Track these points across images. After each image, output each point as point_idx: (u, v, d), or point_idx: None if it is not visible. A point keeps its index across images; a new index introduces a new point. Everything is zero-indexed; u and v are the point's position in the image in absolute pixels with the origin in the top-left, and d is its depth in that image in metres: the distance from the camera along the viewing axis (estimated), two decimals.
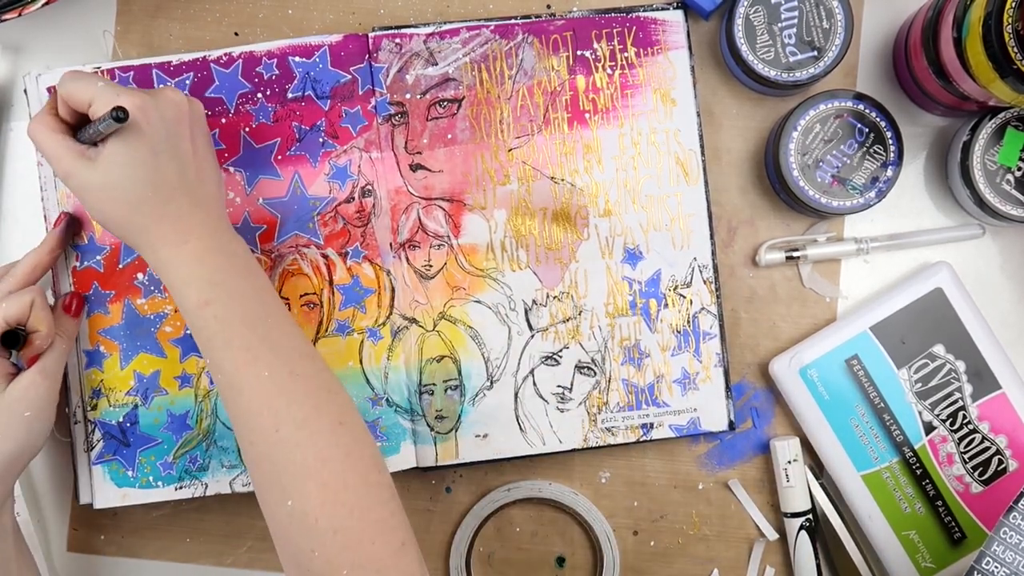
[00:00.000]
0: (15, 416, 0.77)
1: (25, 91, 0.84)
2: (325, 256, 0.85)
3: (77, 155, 0.74)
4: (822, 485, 0.86)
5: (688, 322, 0.86)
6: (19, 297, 0.78)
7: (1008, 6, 0.72)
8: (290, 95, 0.84)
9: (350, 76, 0.84)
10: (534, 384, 0.85)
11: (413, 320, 0.85)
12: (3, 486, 0.77)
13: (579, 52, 0.86)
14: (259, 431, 0.71)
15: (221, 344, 0.72)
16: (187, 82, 0.84)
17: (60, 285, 0.84)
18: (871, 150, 0.83)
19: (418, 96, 0.85)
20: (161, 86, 0.79)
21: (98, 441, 0.84)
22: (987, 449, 0.84)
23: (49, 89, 0.83)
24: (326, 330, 0.84)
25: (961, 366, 0.84)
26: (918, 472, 0.84)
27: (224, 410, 0.83)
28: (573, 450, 0.85)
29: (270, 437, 0.70)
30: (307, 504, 0.69)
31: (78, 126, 0.77)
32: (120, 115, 0.70)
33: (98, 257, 0.84)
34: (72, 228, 0.84)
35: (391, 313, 0.85)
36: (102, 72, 0.84)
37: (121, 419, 0.84)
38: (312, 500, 0.69)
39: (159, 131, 0.73)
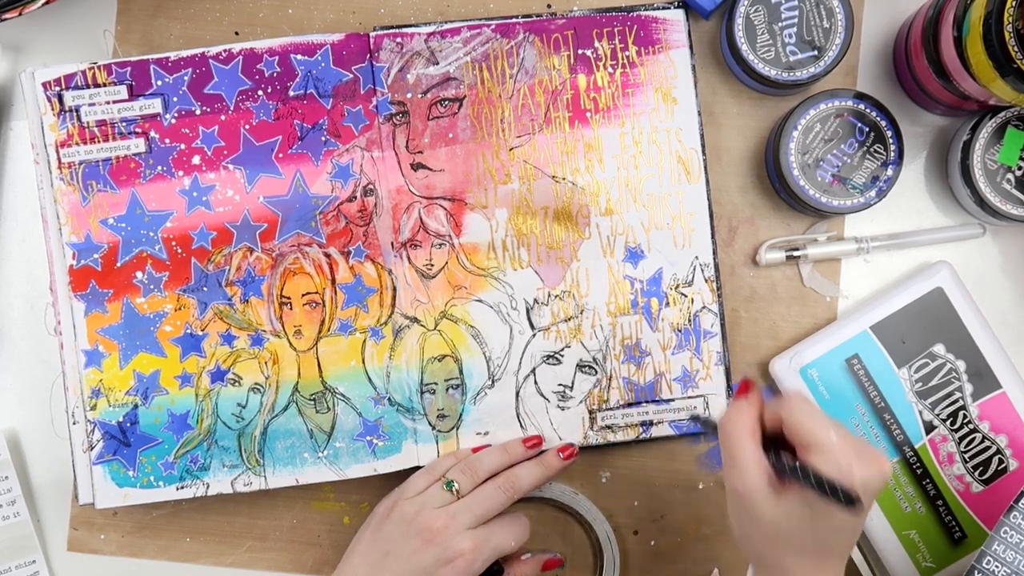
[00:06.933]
0: None
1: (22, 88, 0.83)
2: (327, 255, 0.84)
3: (766, 483, 0.66)
4: None
5: (689, 321, 0.86)
6: (514, 523, 0.81)
7: (1008, 5, 0.72)
8: (292, 93, 0.84)
9: (352, 75, 0.84)
10: (535, 383, 0.85)
11: (415, 319, 0.85)
12: None
13: (580, 51, 0.86)
14: None
15: None
16: (185, 78, 0.84)
17: (56, 284, 0.84)
18: (871, 149, 0.83)
19: (419, 95, 0.85)
20: (878, 456, 0.67)
21: (98, 441, 0.83)
22: (987, 449, 0.84)
23: (45, 84, 0.83)
24: (328, 329, 0.84)
25: (961, 365, 0.84)
26: (918, 472, 0.84)
27: (224, 410, 0.83)
28: None
29: None
30: None
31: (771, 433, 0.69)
32: (850, 499, 0.62)
33: (95, 255, 0.84)
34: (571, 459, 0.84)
35: (393, 312, 0.85)
36: (99, 68, 0.83)
37: (121, 419, 0.83)
38: None
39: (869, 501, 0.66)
